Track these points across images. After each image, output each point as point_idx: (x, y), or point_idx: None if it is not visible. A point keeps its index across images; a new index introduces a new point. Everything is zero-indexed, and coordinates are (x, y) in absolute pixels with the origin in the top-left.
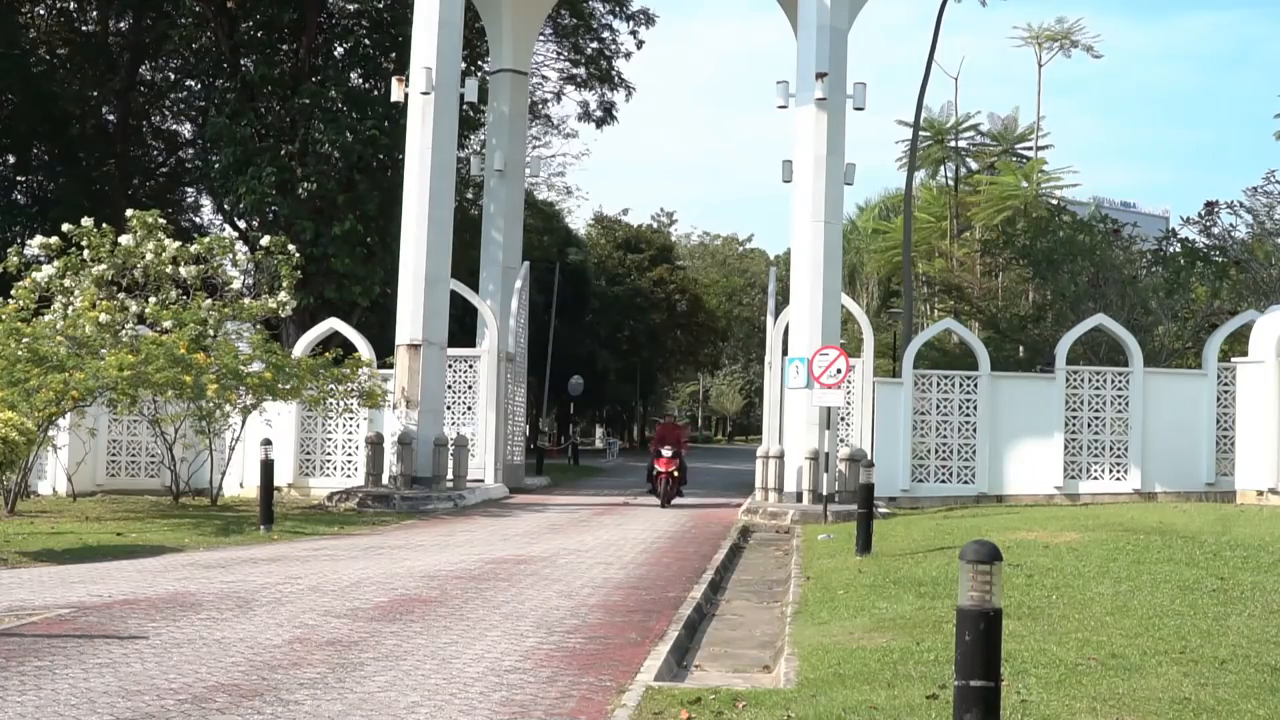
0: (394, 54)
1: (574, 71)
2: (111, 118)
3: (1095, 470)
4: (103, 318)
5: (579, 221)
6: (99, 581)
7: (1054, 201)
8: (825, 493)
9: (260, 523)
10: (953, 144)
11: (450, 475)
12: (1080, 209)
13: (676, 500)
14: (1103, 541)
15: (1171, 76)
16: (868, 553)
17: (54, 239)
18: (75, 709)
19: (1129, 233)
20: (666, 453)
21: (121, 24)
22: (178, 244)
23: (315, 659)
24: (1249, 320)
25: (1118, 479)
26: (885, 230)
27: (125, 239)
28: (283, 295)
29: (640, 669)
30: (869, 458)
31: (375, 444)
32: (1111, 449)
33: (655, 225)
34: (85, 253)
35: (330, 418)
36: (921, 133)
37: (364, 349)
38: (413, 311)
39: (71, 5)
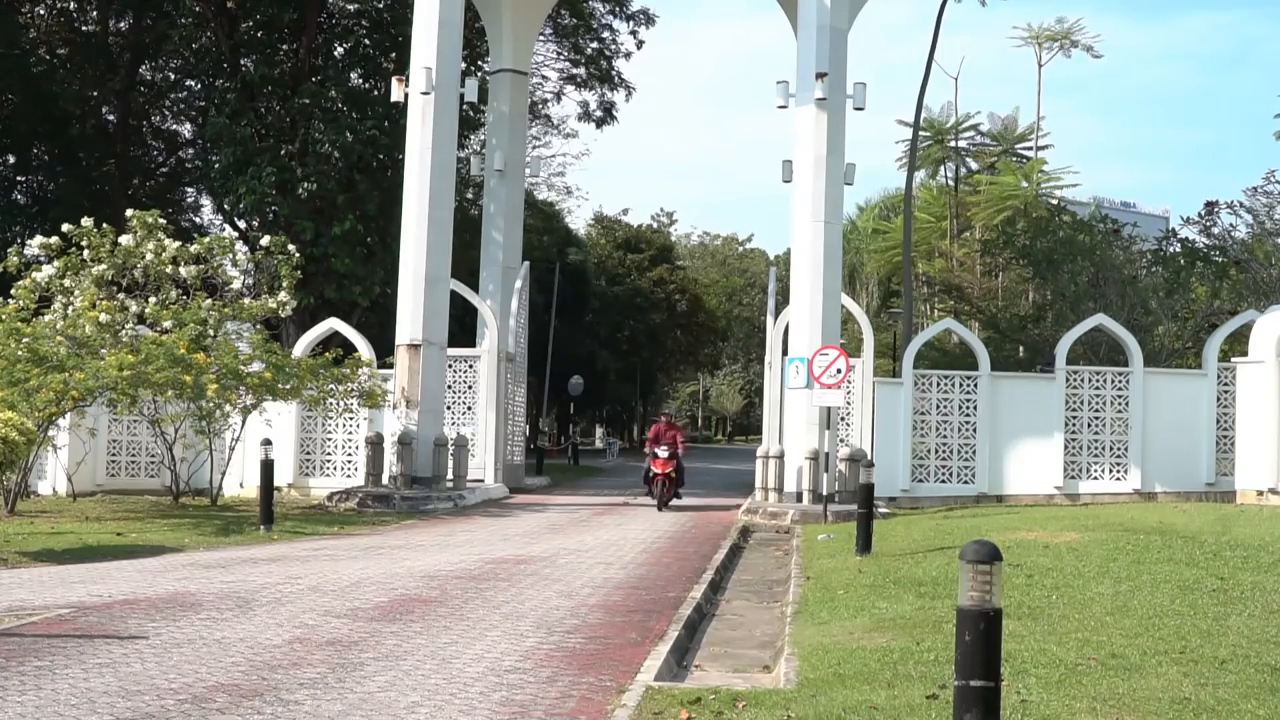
0: (394, 54)
1: (574, 71)
2: (111, 118)
3: (1095, 470)
4: (103, 318)
5: (579, 221)
6: (99, 581)
7: (1054, 201)
8: (825, 493)
9: (260, 523)
10: (953, 144)
11: (450, 475)
12: (1080, 209)
13: (674, 502)
14: (1103, 541)
15: (1171, 76)
16: (868, 553)
17: (54, 239)
18: (75, 709)
19: (1129, 233)
20: (663, 453)
21: (121, 24)
22: (178, 244)
23: (315, 659)
24: (1249, 320)
25: (1118, 479)
26: (885, 230)
27: (125, 239)
28: (283, 295)
29: (640, 669)
30: (869, 458)
31: (375, 444)
32: (1111, 449)
33: (655, 225)
34: (85, 253)
35: (330, 418)
36: (921, 133)
37: (364, 349)
38: (413, 311)
39: (71, 5)
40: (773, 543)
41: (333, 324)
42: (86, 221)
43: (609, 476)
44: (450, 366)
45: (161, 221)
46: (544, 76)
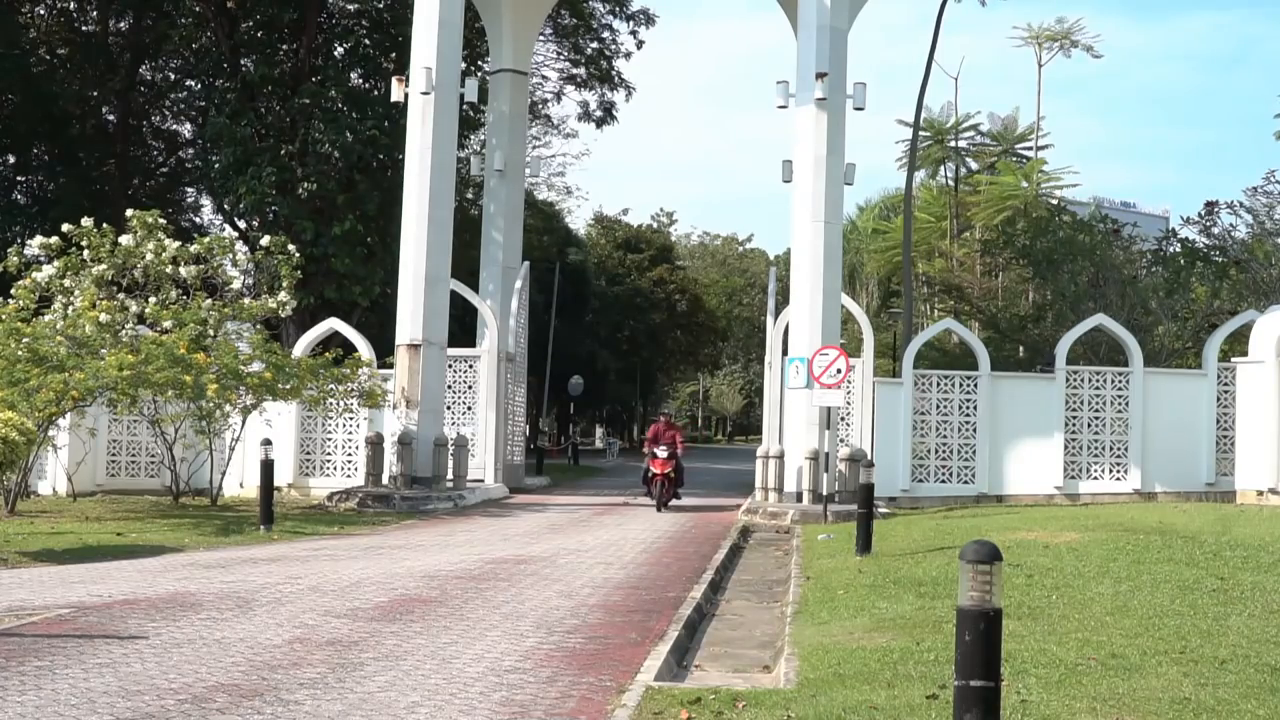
0: (394, 54)
1: (574, 71)
2: (111, 118)
3: (1095, 470)
4: (103, 318)
5: (579, 221)
6: (99, 581)
7: (1054, 201)
8: (825, 493)
9: (260, 523)
10: (953, 144)
11: (450, 475)
12: (1080, 209)
13: (673, 503)
14: (1103, 541)
15: (1171, 76)
16: (868, 553)
17: (54, 239)
18: (75, 709)
19: (1129, 233)
20: (661, 453)
21: (121, 24)
22: (178, 244)
23: (315, 659)
24: (1249, 320)
25: (1118, 479)
26: (885, 230)
27: (125, 239)
28: (283, 295)
29: (640, 669)
30: (869, 458)
31: (375, 444)
32: (1111, 449)
33: (655, 225)
34: (85, 253)
35: (330, 418)
36: (921, 133)
37: (364, 349)
38: (413, 311)
39: (71, 5)
40: (773, 543)
41: (333, 324)
42: (86, 221)
43: (609, 476)
44: (450, 366)
45: (161, 221)
46: (544, 76)
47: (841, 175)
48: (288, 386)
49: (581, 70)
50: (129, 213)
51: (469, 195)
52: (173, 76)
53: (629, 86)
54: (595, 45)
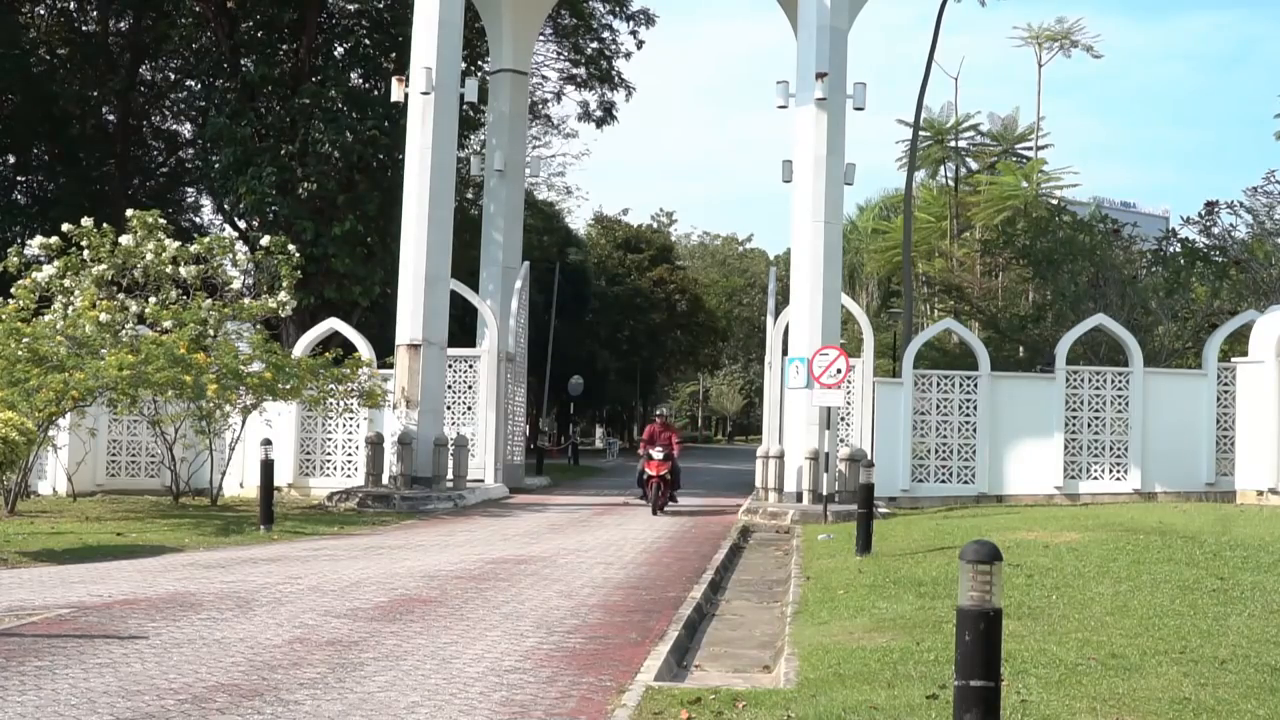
0: (394, 54)
1: (574, 71)
2: (111, 118)
3: (1095, 470)
4: (103, 318)
5: (579, 221)
6: (99, 581)
7: (1054, 201)
8: (825, 493)
9: (260, 523)
10: (953, 144)
11: (450, 475)
12: (1080, 209)
13: (669, 506)
14: (1103, 541)
15: (1171, 76)
16: (868, 553)
17: (54, 239)
18: (75, 709)
19: (1129, 233)
20: (657, 455)
21: (121, 24)
22: (178, 244)
23: (315, 659)
24: (1249, 320)
25: (1118, 479)
26: (885, 230)
27: (125, 239)
28: (283, 295)
29: (640, 669)
30: (869, 458)
31: (375, 444)
32: (1111, 449)
33: (655, 225)
34: (85, 253)
35: (330, 418)
36: (921, 133)
37: (364, 349)
38: (413, 311)
39: (71, 5)
40: (773, 543)
41: (333, 324)
42: (86, 221)
43: (609, 476)
44: (450, 366)
45: (161, 221)
46: (544, 76)
47: (841, 175)
48: (288, 386)
49: (581, 70)
50: (129, 213)
51: (469, 195)
52: (173, 76)
53: (629, 86)
54: (595, 45)
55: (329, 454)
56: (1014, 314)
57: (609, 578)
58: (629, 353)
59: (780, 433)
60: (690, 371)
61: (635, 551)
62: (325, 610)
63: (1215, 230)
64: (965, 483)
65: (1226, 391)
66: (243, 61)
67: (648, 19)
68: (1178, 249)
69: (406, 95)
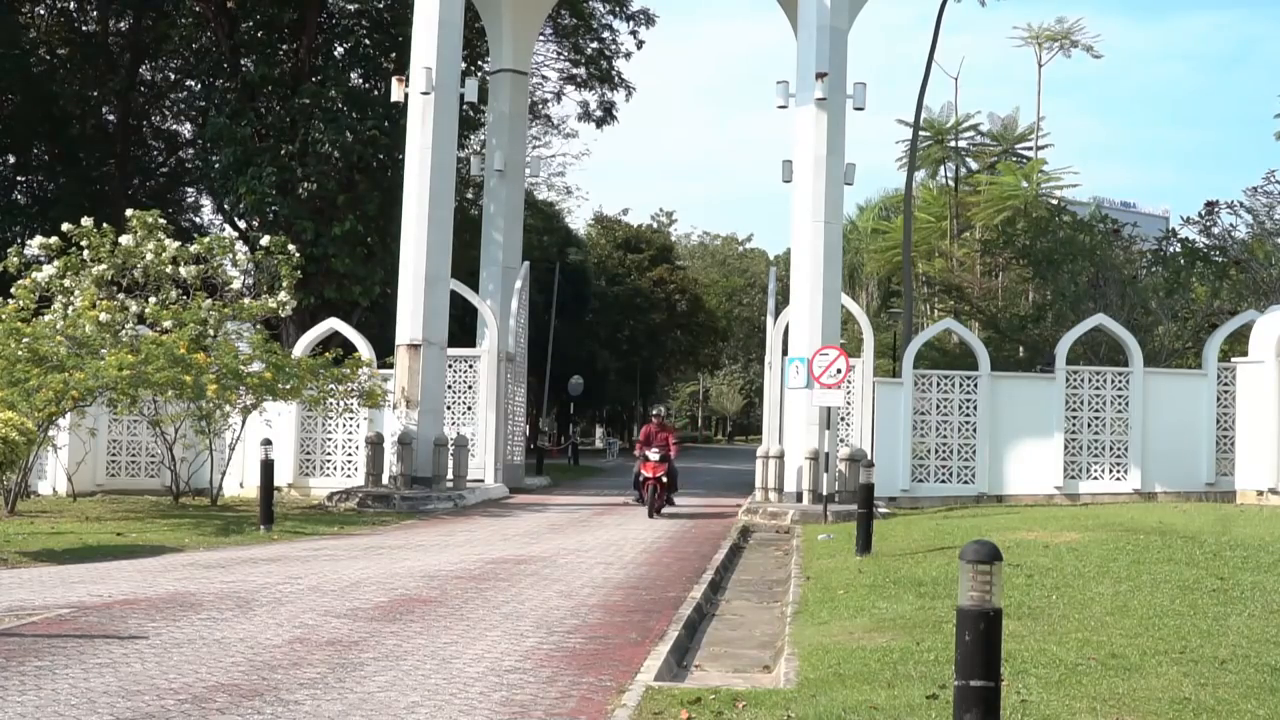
0: (394, 54)
1: (574, 71)
2: (111, 118)
3: (1095, 470)
4: (103, 318)
5: (579, 221)
6: (99, 581)
7: (1054, 201)
8: (825, 493)
9: (260, 523)
10: (953, 144)
11: (450, 475)
12: (1080, 209)
13: (667, 509)
14: (1103, 541)
15: (1171, 76)
16: (868, 553)
17: (54, 239)
18: (75, 709)
19: (1129, 233)
20: (653, 456)
21: (121, 24)
22: (178, 244)
23: (315, 659)
24: (1249, 320)
25: (1118, 479)
26: (885, 230)
27: (125, 239)
28: (283, 295)
29: (640, 669)
30: (869, 458)
31: (375, 444)
32: (1111, 449)
33: (655, 225)
34: (85, 253)
35: (330, 418)
36: (921, 133)
37: (364, 349)
38: (413, 311)
39: (71, 5)
40: (773, 543)
41: (333, 324)
42: (86, 221)
43: (609, 476)
44: (450, 366)
45: (161, 221)
46: (544, 76)
47: (841, 175)
48: (288, 386)
49: (581, 70)
50: (129, 213)
51: (469, 195)
52: (173, 76)
53: (629, 86)
54: (595, 45)
55: (329, 454)
56: (1014, 314)
57: (609, 578)
58: (629, 353)
59: (780, 433)
60: (690, 371)
61: (635, 551)
62: (325, 610)
63: (1215, 230)
64: (965, 483)
65: (1226, 391)
66: (243, 61)
67: (648, 19)
68: (1178, 249)
69: (406, 95)
